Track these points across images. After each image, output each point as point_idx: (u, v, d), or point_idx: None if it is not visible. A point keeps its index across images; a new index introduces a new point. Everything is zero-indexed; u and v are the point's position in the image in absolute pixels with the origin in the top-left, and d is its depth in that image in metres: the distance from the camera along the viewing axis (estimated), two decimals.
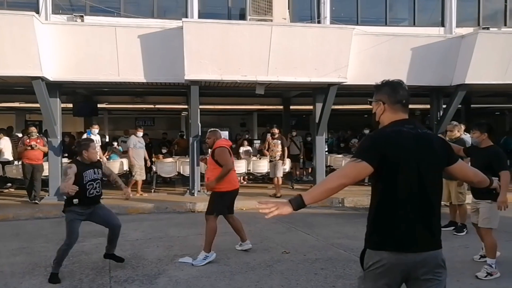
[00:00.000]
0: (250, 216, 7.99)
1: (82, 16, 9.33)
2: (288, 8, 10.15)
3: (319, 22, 10.72)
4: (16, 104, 15.02)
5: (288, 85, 10.17)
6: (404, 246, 2.09)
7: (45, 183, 9.62)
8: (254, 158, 11.87)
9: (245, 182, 12.11)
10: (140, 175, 9.99)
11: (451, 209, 6.83)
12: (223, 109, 17.72)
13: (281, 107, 15.14)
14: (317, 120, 10.50)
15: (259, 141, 14.91)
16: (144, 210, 8.76)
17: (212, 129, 5.78)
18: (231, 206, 5.62)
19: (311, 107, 11.25)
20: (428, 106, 12.02)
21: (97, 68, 8.93)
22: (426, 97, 11.89)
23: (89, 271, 4.94)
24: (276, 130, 10.31)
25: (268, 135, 10.62)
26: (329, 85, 9.77)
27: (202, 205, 8.90)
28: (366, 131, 11.95)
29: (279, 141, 10.20)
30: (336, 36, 9.33)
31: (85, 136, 10.20)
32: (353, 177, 2.13)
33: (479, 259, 5.17)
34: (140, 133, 10.23)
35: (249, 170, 11.38)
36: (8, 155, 10.67)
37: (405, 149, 2.12)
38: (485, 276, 4.58)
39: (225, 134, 10.63)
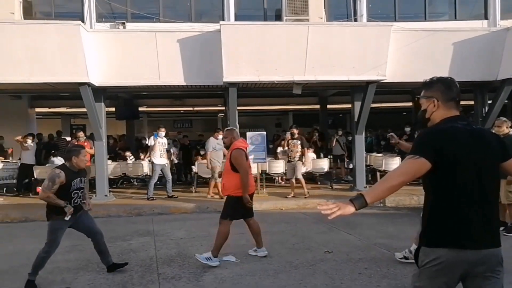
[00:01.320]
0: (290, 216, 8.06)
1: (124, 23, 9.69)
2: (324, 7, 10.13)
3: (355, 20, 10.61)
4: (62, 109, 15.77)
5: (325, 84, 10.13)
6: (464, 244, 2.06)
7: (91, 184, 10.04)
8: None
9: (283, 182, 12.14)
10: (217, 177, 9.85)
11: (500, 208, 6.60)
12: (259, 109, 17.86)
13: (318, 106, 15.09)
14: (355, 119, 10.39)
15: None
16: (186, 209, 8.97)
17: (229, 127, 5.47)
18: (250, 210, 5.30)
19: (349, 105, 11.15)
20: (471, 102, 11.62)
21: (139, 73, 9.24)
22: (469, 93, 11.51)
23: (138, 268, 5.14)
24: (295, 130, 10.10)
25: (288, 134, 10.39)
26: (368, 83, 9.66)
27: None
28: (407, 129, 11.68)
29: (299, 142, 9.98)
30: (374, 33, 9.22)
31: (152, 138, 10.50)
32: (413, 174, 2.12)
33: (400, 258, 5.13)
34: (220, 136, 9.89)
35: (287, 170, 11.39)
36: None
37: (462, 145, 2.11)
38: None
39: (263, 134, 10.64)
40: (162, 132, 10.27)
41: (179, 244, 6.24)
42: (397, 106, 16.27)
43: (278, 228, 7.17)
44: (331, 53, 9.17)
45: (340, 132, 12.62)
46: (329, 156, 12.76)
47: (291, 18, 9.57)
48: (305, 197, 9.56)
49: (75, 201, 4.57)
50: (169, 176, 10.24)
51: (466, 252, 2.06)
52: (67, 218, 4.42)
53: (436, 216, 2.15)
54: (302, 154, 9.98)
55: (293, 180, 9.97)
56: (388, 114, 17.45)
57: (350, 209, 2.09)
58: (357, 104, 10.39)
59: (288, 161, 10.09)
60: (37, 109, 14.67)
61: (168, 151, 10.80)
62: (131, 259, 5.50)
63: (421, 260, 2.16)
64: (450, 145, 2.11)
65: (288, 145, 10.04)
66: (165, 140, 10.29)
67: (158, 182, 10.41)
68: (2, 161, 10.87)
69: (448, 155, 2.09)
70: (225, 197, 5.40)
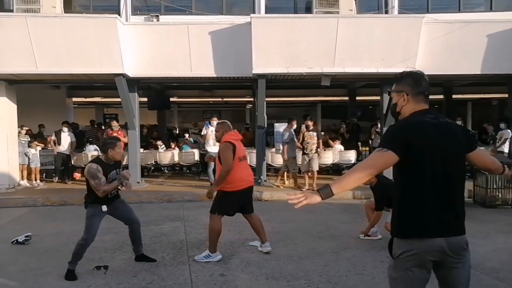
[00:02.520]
0: (315, 206, 8.13)
1: (158, 16, 9.99)
2: (355, 0, 10.09)
3: (386, 12, 10.52)
4: (97, 99, 16.37)
5: (354, 76, 10.14)
6: (432, 232, 2.12)
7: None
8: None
9: (310, 174, 12.24)
10: (294, 168, 10.11)
11: None
12: (287, 101, 17.94)
13: (346, 98, 15.05)
14: (384, 111, 10.37)
15: (323, 133, 14.94)
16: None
17: (221, 120, 5.35)
18: (247, 205, 5.09)
19: (378, 97, 11.10)
20: (505, 95, 11.35)
21: (171, 64, 9.53)
22: (503, 86, 11.24)
23: (170, 250, 5.44)
24: (310, 122, 9.94)
25: (303, 127, 10.18)
26: None
27: (268, 194, 9.27)
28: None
29: (315, 133, 9.84)
30: (404, 25, 9.15)
31: (204, 128, 10.75)
32: (380, 167, 2.20)
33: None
34: (295, 126, 10.17)
35: None
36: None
37: (429, 138, 2.17)
38: None
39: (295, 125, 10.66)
40: (215, 121, 10.38)
41: (207, 229, 6.50)
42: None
43: (303, 218, 7.32)
44: (361, 45, 9.17)
45: (379, 125, 12.51)
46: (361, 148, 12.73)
47: (321, 10, 9.61)
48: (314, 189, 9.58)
49: (111, 193, 4.59)
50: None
51: (435, 240, 2.12)
52: (104, 209, 4.55)
53: (405, 207, 2.21)
54: (318, 146, 9.87)
55: (308, 173, 9.86)
56: None
57: (316, 198, 2.16)
58: (386, 97, 10.35)
59: (304, 153, 9.89)
60: (74, 99, 15.30)
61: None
62: (163, 242, 5.81)
63: (394, 252, 2.21)
64: (418, 139, 2.16)
65: (303, 137, 9.89)
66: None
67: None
68: (42, 148, 11.46)
69: (416, 148, 2.15)
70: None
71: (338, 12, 9.53)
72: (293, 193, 2.21)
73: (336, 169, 12.11)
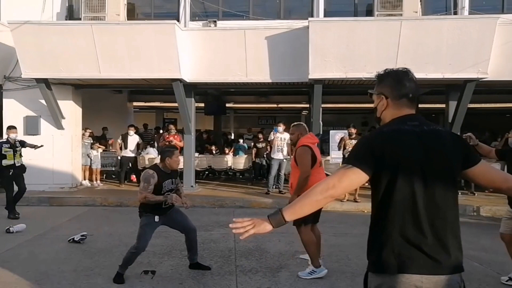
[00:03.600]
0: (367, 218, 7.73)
1: (215, 21, 10.04)
2: (420, 1, 9.50)
3: (455, 13, 9.82)
4: (157, 104, 16.88)
5: (417, 82, 9.51)
6: (408, 269, 1.70)
7: (180, 174, 10.60)
8: None
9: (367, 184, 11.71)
10: None
11: None
12: (344, 107, 17.42)
13: None
14: (450, 120, 9.65)
15: None
16: (266, 205, 9.08)
17: (296, 122, 5.06)
18: (318, 214, 4.70)
19: (441, 105, 10.37)
20: None
21: (227, 70, 9.53)
22: None
23: (218, 258, 5.32)
24: (353, 130, 9.50)
25: (346, 135, 9.69)
26: (466, 81, 8.90)
27: None
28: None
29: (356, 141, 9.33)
30: (476, 27, 8.44)
31: (272, 133, 10.74)
32: (344, 187, 1.80)
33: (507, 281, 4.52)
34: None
35: None
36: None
37: (406, 151, 1.75)
38: None
39: (344, 132, 10.32)
40: (281, 127, 10.24)
41: (257, 238, 6.30)
42: (498, 107, 14.79)
43: (358, 231, 6.92)
44: (426, 49, 8.60)
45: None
46: None
47: (383, 13, 9.14)
48: (356, 201, 9.11)
49: (166, 203, 4.46)
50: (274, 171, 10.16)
51: (412, 277, 1.70)
52: (156, 220, 4.47)
53: (377, 235, 1.80)
54: None
55: None
56: (487, 115, 15.95)
57: (266, 227, 1.82)
58: (452, 104, 9.64)
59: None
60: (135, 103, 15.88)
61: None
62: (211, 249, 5.71)
63: (369, 286, 1.84)
64: (391, 152, 1.75)
65: (345, 146, 9.43)
66: (285, 136, 9.98)
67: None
68: (103, 150, 11.95)
69: (389, 163, 1.74)
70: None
71: (401, 15, 9.01)
72: (239, 220, 1.85)
73: None
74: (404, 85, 1.88)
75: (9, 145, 7.73)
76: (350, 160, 1.83)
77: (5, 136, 8.05)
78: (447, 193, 1.77)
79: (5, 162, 7.65)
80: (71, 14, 10.43)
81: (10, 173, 7.76)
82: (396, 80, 1.90)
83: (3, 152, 7.63)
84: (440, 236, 1.73)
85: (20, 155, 7.93)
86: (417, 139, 1.78)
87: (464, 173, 1.86)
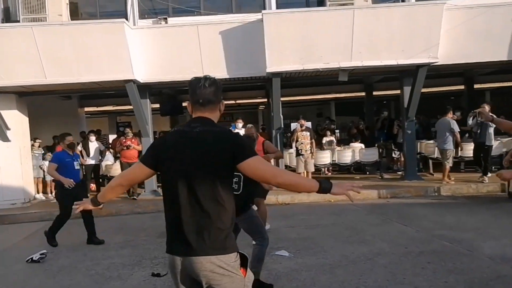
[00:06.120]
0: (340, 208, 7.81)
1: (166, 18, 9.70)
2: None
3: (403, 0, 10.07)
4: (109, 108, 16.20)
5: (372, 70, 9.70)
6: (173, 250, 2.06)
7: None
8: (338, 148, 11.56)
9: (330, 174, 11.85)
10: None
11: None
12: (299, 100, 17.53)
13: (362, 93, 14.58)
14: (405, 105, 9.92)
15: (338, 131, 14.43)
16: None
17: (250, 124, 5.82)
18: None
19: (395, 91, 10.65)
20: None
21: (182, 67, 9.22)
22: None
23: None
24: (303, 121, 9.72)
25: (298, 126, 9.86)
26: (418, 66, 9.15)
27: (289, 197, 8.85)
28: (457, 113, 10.76)
29: (308, 133, 9.56)
30: (425, 13, 8.70)
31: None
32: (132, 179, 2.25)
33: None
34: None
35: (334, 160, 11.10)
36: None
37: (170, 150, 2.07)
38: None
39: (308, 124, 10.37)
40: (240, 124, 10.21)
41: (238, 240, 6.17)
42: (445, 90, 15.43)
43: (329, 221, 6.96)
44: (379, 37, 8.76)
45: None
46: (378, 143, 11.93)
47: (335, 2, 9.21)
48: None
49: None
50: None
51: (174, 258, 2.05)
52: None
53: (166, 222, 2.11)
54: (312, 146, 9.59)
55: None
56: (434, 99, 16.60)
57: (89, 206, 2.35)
58: (407, 90, 9.90)
59: (298, 154, 9.57)
60: (86, 109, 15.13)
61: None
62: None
63: None
64: (162, 151, 2.09)
65: (297, 138, 9.56)
66: (243, 132, 10.17)
67: None
68: None
69: (161, 161, 2.08)
70: None
71: (353, 4, 9.12)
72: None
73: (358, 168, 11.68)
74: (195, 93, 2.13)
75: None
76: (142, 156, 2.29)
77: None
78: (207, 186, 1.99)
79: None
80: (7, 16, 9.70)
81: None
82: (191, 88, 2.15)
83: None
84: (201, 225, 1.98)
85: None
86: (184, 139, 2.06)
87: (237, 167, 2.02)
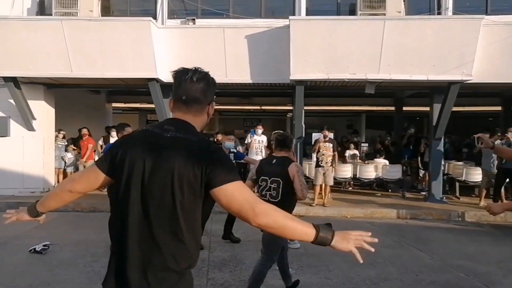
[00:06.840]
0: (355, 225, 7.48)
1: (194, 19, 9.69)
2: (404, 1, 9.31)
3: (439, 13, 9.65)
4: (137, 105, 16.40)
5: (401, 84, 9.31)
6: (107, 285, 1.64)
7: None
8: (360, 162, 11.19)
9: (351, 188, 11.48)
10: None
11: None
12: (329, 110, 17.21)
13: (393, 108, 14.12)
14: (434, 123, 9.47)
15: (367, 144, 13.99)
16: None
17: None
18: None
19: (426, 108, 10.19)
20: None
21: (206, 69, 9.09)
22: None
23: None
24: (327, 132, 9.31)
25: (321, 136, 9.38)
26: (450, 83, 8.70)
27: (303, 209, 8.61)
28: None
29: (331, 145, 9.13)
30: (460, 28, 8.26)
31: (249, 136, 10.49)
32: (84, 183, 1.74)
33: None
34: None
35: (355, 175, 10.73)
36: None
37: (132, 156, 1.60)
38: None
39: (331, 135, 10.07)
40: (259, 130, 10.12)
41: (234, 247, 6.00)
42: (482, 111, 14.75)
43: None
44: (409, 50, 8.39)
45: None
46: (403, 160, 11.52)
47: (366, 12, 8.91)
48: (324, 206, 8.93)
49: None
50: None
51: None
52: None
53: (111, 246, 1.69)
54: (334, 159, 9.16)
55: (317, 187, 9.08)
56: (470, 119, 15.89)
57: (24, 216, 1.91)
58: (437, 107, 9.45)
59: (318, 166, 9.16)
60: (116, 104, 15.37)
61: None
62: None
63: None
64: (120, 156, 1.62)
65: (319, 149, 9.18)
66: (263, 138, 10.06)
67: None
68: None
69: (117, 169, 1.62)
70: None
71: (384, 14, 8.79)
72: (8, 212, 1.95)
73: (380, 184, 11.26)
74: (179, 86, 1.73)
75: None
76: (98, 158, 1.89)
77: None
78: (166, 210, 1.56)
79: None
80: (42, 10, 9.95)
81: None
82: (176, 80, 1.76)
83: None
84: (149, 257, 1.57)
85: None
86: (149, 146, 1.61)
87: (210, 193, 1.61)
